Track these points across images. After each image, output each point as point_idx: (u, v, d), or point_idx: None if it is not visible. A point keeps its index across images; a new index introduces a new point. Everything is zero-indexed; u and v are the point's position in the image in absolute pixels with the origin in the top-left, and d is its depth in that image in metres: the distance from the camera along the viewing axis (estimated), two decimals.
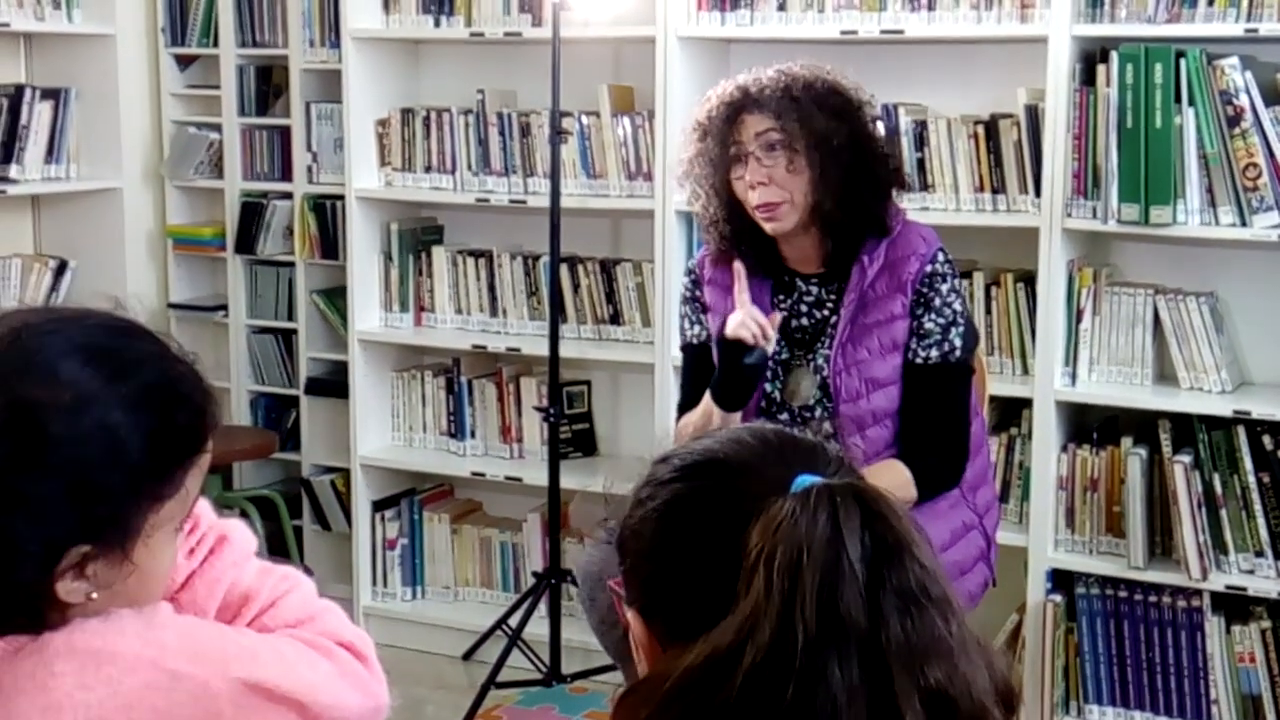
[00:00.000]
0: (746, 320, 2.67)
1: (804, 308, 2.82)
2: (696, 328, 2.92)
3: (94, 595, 1.20)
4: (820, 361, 2.77)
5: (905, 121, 3.53)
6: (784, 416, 2.78)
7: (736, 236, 2.78)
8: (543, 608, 3.83)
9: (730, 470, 1.12)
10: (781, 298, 2.83)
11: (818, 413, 2.76)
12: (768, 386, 2.80)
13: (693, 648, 1.02)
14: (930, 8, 3.47)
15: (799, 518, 1.03)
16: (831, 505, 1.03)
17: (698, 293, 2.91)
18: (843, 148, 2.68)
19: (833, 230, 2.74)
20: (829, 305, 2.79)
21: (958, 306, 2.74)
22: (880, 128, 2.86)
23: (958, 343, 2.73)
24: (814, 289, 2.81)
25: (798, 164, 2.68)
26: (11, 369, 1.18)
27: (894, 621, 1.01)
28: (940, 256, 2.75)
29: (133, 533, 1.21)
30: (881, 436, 2.74)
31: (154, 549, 1.23)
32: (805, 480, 1.07)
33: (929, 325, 2.72)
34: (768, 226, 2.73)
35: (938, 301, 2.72)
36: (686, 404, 2.95)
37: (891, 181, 2.78)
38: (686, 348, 2.97)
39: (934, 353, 2.72)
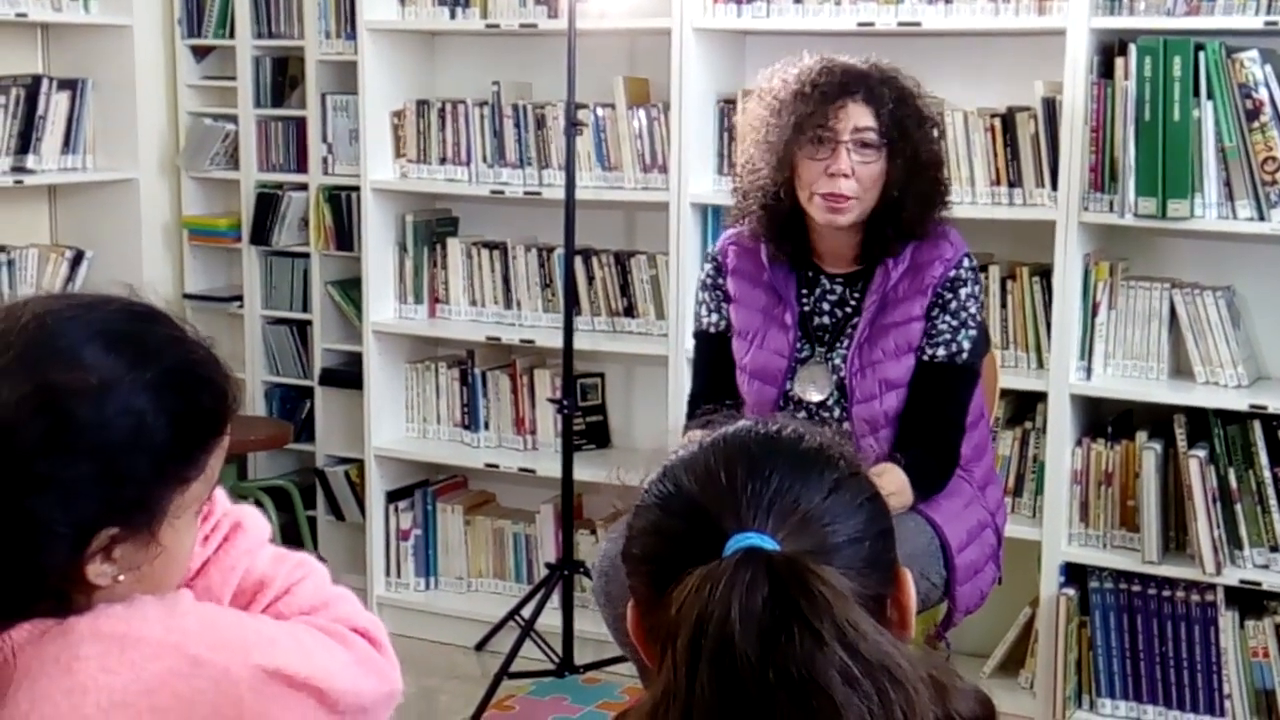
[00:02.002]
0: None
1: (826, 305, 2.81)
2: (714, 316, 2.90)
3: (121, 578, 1.22)
4: (838, 361, 2.76)
5: None
6: (801, 415, 2.77)
7: (776, 215, 2.75)
8: (555, 599, 3.83)
9: (690, 512, 1.10)
10: (805, 292, 2.82)
11: (836, 413, 2.76)
12: (786, 385, 2.79)
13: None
14: (947, 0, 3.46)
15: (701, 594, 1.01)
16: (730, 583, 1.00)
17: (720, 280, 2.88)
18: (927, 164, 2.71)
19: (898, 232, 2.71)
20: (851, 304, 2.78)
21: (973, 310, 2.74)
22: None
23: (965, 345, 2.72)
24: (838, 287, 2.80)
25: (887, 168, 2.67)
26: (37, 355, 1.20)
27: (791, 708, 0.97)
28: (965, 262, 2.74)
29: (159, 515, 1.22)
30: (894, 439, 2.74)
31: (179, 531, 1.25)
32: (734, 544, 1.05)
33: (941, 325, 2.72)
34: (825, 217, 2.69)
35: (954, 305, 2.72)
36: (698, 396, 2.93)
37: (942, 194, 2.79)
38: (701, 335, 2.94)
39: (940, 351, 2.72)
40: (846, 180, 2.65)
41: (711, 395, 2.83)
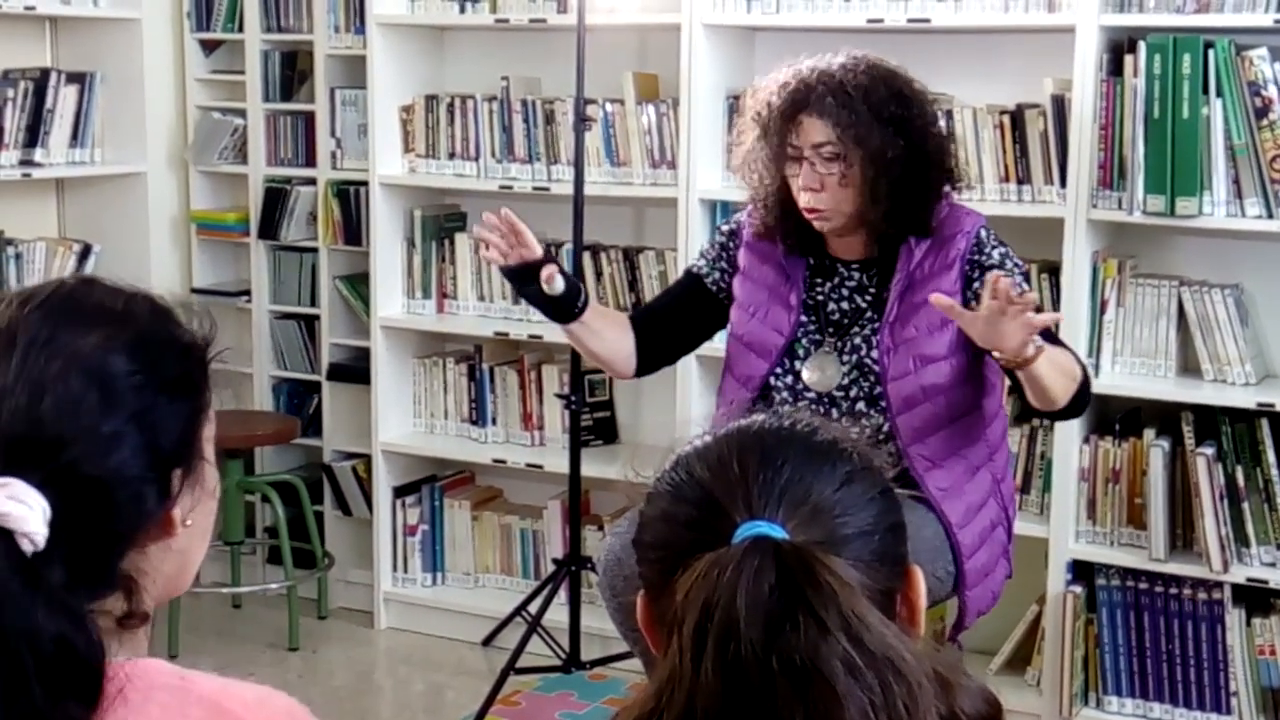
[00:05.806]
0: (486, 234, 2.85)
1: (845, 292, 2.81)
2: (713, 271, 2.91)
3: (187, 522, 1.24)
4: (857, 342, 2.76)
5: None
6: (810, 395, 2.77)
7: (784, 219, 2.77)
8: (562, 594, 3.84)
9: (701, 499, 1.11)
10: (820, 280, 2.82)
11: (853, 392, 2.75)
12: (798, 365, 2.79)
13: (635, 703, 1.03)
14: None
15: (708, 580, 1.01)
16: (738, 570, 1.01)
17: (732, 245, 2.90)
18: (896, 161, 2.65)
19: (878, 234, 2.73)
20: (870, 293, 2.78)
21: (1009, 264, 2.69)
22: (940, 125, 2.80)
23: (1019, 277, 2.66)
24: (856, 274, 2.80)
25: (851, 177, 2.65)
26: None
27: (792, 696, 0.98)
28: (984, 232, 2.73)
29: (199, 450, 1.26)
30: (934, 414, 2.71)
31: (206, 502, 1.28)
32: (743, 531, 1.05)
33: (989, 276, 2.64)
34: (815, 225, 2.73)
35: (990, 263, 2.67)
36: (647, 309, 3.12)
37: (943, 182, 2.74)
38: (689, 273, 2.98)
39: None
40: (815, 194, 2.67)
41: (656, 319, 2.96)
